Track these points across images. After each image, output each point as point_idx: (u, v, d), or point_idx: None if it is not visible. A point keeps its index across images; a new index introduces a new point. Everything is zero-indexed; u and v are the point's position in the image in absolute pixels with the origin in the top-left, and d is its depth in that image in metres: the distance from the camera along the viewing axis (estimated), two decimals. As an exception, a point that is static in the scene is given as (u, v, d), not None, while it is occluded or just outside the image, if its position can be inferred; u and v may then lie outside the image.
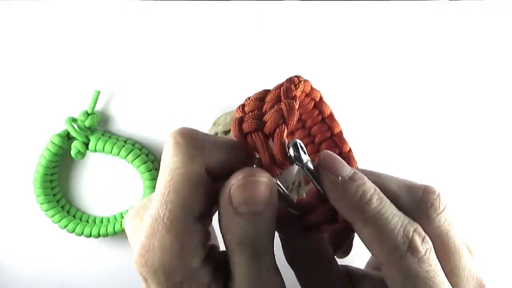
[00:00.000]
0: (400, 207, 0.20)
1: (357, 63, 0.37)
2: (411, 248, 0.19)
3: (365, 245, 0.20)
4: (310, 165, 0.20)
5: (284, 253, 0.23)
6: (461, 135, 0.38)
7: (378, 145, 0.37)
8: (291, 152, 0.19)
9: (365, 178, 0.20)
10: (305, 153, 0.19)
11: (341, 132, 0.24)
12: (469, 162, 0.38)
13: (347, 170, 0.20)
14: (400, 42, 0.36)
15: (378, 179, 0.21)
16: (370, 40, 0.36)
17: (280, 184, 0.20)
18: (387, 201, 0.20)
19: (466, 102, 0.37)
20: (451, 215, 0.21)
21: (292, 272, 0.23)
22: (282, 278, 0.21)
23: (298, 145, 0.19)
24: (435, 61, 0.37)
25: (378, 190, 0.20)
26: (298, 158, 0.19)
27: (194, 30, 0.36)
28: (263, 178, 0.19)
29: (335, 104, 0.25)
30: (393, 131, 0.37)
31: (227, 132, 0.36)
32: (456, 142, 0.38)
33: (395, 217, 0.20)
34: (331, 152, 0.21)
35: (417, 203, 0.21)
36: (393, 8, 0.36)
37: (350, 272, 0.24)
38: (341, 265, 0.24)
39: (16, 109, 0.38)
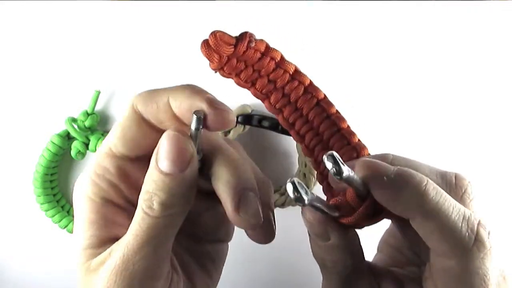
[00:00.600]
0: None
1: (360, 63, 0.37)
2: (478, 242, 0.18)
3: (424, 238, 0.19)
4: (350, 174, 0.18)
5: (313, 249, 0.22)
6: (464, 136, 0.38)
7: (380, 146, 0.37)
8: (329, 166, 0.18)
9: (411, 170, 0.19)
10: (343, 164, 0.18)
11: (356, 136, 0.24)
12: (473, 163, 0.38)
13: (389, 168, 0.19)
14: (402, 42, 0.36)
15: (412, 164, 0.20)
16: (374, 40, 0.36)
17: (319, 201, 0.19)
18: (442, 190, 0.19)
19: (470, 102, 0.37)
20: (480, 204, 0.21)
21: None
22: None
23: (336, 158, 0.17)
24: (439, 60, 0.37)
25: (429, 179, 0.19)
26: (339, 172, 0.17)
27: (194, 30, 0.36)
28: (189, 144, 0.19)
29: (338, 103, 0.25)
30: (398, 133, 0.37)
31: (227, 132, 0.36)
32: (460, 143, 0.38)
33: (456, 208, 0.19)
34: (366, 158, 0.20)
35: (450, 188, 0.20)
36: (395, 8, 0.36)
37: (372, 268, 0.23)
38: None
39: (16, 109, 0.38)
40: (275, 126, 0.34)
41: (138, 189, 0.20)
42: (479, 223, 0.19)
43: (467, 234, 0.18)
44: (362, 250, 0.22)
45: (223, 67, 0.22)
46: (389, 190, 0.19)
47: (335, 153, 0.17)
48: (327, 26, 0.36)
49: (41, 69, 0.38)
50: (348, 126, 0.24)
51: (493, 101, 0.37)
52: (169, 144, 0.19)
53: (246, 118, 0.35)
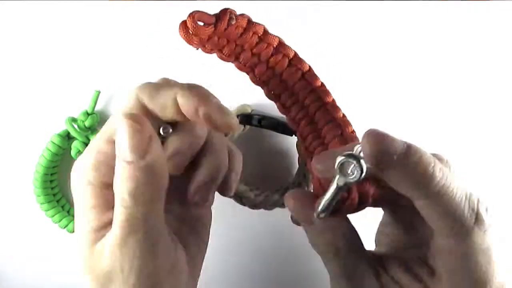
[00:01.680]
0: None
1: (359, 63, 0.37)
2: (478, 221, 0.19)
3: (427, 219, 0.20)
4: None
5: (308, 236, 0.22)
6: (462, 138, 0.38)
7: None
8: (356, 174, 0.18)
9: (421, 149, 0.19)
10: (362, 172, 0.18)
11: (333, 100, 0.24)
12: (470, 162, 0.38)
13: (400, 145, 0.19)
14: (401, 41, 0.37)
15: None
16: (372, 39, 0.36)
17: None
18: (448, 172, 0.19)
19: (469, 102, 0.37)
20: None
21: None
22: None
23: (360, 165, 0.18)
24: (438, 60, 0.37)
25: (436, 160, 0.19)
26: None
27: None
28: (146, 130, 0.19)
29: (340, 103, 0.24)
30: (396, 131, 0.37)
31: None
32: (458, 144, 0.38)
33: (459, 189, 0.19)
34: (375, 130, 0.19)
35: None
36: (394, 8, 0.36)
37: (375, 255, 0.23)
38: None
39: (16, 109, 0.38)
40: (275, 126, 0.34)
41: None
42: (479, 201, 0.19)
43: (469, 214, 0.19)
44: (354, 230, 0.22)
45: (205, 44, 0.22)
46: (398, 170, 0.18)
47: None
48: (325, 25, 0.36)
49: (41, 69, 0.38)
50: (333, 100, 0.23)
51: (493, 100, 0.37)
52: (124, 132, 0.19)
53: (246, 118, 0.35)
